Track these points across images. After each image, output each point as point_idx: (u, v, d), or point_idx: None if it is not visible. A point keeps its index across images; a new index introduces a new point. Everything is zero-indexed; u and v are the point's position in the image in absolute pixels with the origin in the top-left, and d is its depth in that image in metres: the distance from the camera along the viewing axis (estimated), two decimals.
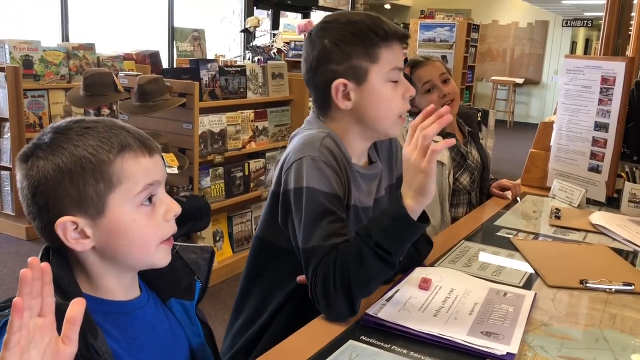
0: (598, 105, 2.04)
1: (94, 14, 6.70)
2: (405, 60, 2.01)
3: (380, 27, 1.19)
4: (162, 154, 3.38)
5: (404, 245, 1.10)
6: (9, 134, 4.29)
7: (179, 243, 1.07)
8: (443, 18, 7.33)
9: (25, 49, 4.39)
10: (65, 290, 0.84)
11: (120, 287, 0.94)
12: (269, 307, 1.27)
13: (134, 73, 3.95)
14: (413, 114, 2.00)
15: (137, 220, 0.89)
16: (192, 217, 3.18)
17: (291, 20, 8.69)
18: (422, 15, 8.27)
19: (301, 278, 1.19)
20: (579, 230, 1.77)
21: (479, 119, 2.12)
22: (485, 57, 11.57)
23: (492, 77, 11.30)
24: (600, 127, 2.04)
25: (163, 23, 7.46)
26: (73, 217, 0.86)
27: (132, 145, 0.89)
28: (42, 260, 0.86)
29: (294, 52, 6.13)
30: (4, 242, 4.22)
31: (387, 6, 11.91)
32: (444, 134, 1.97)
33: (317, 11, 10.01)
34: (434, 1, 11.05)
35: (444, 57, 6.77)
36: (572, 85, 2.11)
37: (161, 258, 0.94)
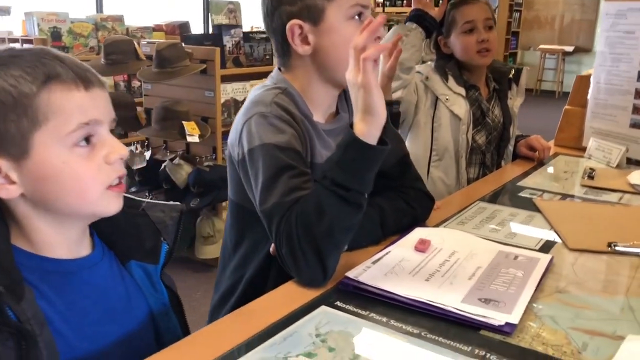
0: None
1: None
2: None
3: None
4: (183, 121, 3.27)
5: (363, 177, 0.94)
6: None
7: (147, 200, 0.95)
8: None
9: (53, 21, 4.35)
10: None
11: (63, 243, 0.83)
12: (244, 280, 1.15)
13: (156, 40, 3.86)
14: (443, 56, 1.82)
15: (69, 162, 0.77)
16: (216, 187, 3.09)
17: None
18: None
19: (273, 248, 1.06)
20: (614, 191, 1.56)
21: (510, 76, 1.91)
22: (533, 24, 11.02)
23: (540, 46, 10.77)
24: None
25: None
26: None
27: (61, 75, 0.76)
28: None
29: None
30: None
31: None
32: (468, 85, 1.79)
33: None
34: None
35: None
36: (613, 32, 1.88)
37: (107, 206, 0.82)
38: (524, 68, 1.95)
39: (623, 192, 1.55)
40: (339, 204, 0.93)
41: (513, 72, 1.90)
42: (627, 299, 0.96)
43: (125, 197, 0.92)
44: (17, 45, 0.85)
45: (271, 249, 1.04)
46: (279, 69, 1.17)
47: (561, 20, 10.98)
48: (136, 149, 3.48)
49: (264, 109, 1.05)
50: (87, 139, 0.79)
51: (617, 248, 1.15)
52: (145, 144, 3.56)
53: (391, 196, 1.21)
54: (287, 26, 1.06)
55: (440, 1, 1.79)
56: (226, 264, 1.21)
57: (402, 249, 1.10)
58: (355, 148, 0.92)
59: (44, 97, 0.75)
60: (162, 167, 3.23)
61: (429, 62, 1.85)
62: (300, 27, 1.06)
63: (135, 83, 4.63)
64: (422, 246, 1.09)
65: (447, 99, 1.75)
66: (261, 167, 1.01)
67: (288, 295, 0.95)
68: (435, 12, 1.70)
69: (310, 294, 0.95)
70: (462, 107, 1.75)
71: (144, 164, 3.32)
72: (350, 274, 0.97)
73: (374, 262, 1.03)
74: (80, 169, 0.78)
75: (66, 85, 0.76)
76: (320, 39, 1.08)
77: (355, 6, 1.07)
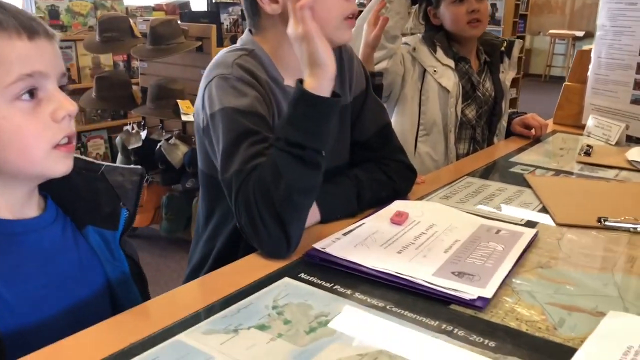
0: None
1: None
2: None
3: None
4: (178, 100, 3.22)
5: (317, 133, 0.88)
6: None
7: (106, 163, 0.90)
8: None
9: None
10: None
11: (4, 204, 0.77)
12: (213, 252, 1.09)
13: (153, 18, 3.80)
14: (433, 28, 1.75)
15: (9, 117, 0.72)
16: None
17: None
18: None
19: None
20: (611, 167, 1.49)
21: (502, 49, 1.83)
22: (543, 9, 10.84)
23: (550, 31, 10.59)
24: None
25: None
26: None
27: (2, 23, 0.71)
28: None
29: None
30: None
31: None
32: (457, 57, 1.72)
33: None
34: None
35: (493, 5, 6.30)
36: (615, 2, 1.80)
37: (53, 166, 0.77)
38: (516, 40, 1.86)
39: (620, 168, 1.48)
40: (295, 165, 0.87)
41: (505, 44, 1.82)
42: (613, 275, 0.89)
43: (83, 159, 0.87)
44: None
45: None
46: (250, 30, 1.10)
47: (572, 4, 10.79)
48: (132, 128, 3.43)
49: (224, 71, 0.99)
50: (32, 93, 0.73)
51: (607, 223, 1.08)
52: (142, 123, 3.52)
53: (370, 167, 1.15)
54: None
55: None
56: (199, 237, 1.16)
57: (377, 221, 1.04)
58: (305, 102, 0.87)
59: None
60: (158, 147, 3.19)
61: (418, 34, 1.77)
62: None
63: (135, 63, 4.57)
64: (399, 218, 1.03)
65: (435, 71, 1.68)
66: (221, 133, 0.95)
67: (252, 266, 0.90)
68: None
69: (275, 265, 0.89)
70: (450, 80, 1.67)
71: (140, 144, 3.28)
72: (318, 245, 0.92)
73: (344, 234, 0.97)
74: (22, 125, 0.72)
75: (7, 33, 0.71)
76: None
77: None
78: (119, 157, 3.40)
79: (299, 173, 0.88)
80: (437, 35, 1.73)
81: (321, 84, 0.87)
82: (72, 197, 0.86)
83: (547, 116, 1.99)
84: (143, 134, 3.35)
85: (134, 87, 3.49)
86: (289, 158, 0.87)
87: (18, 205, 0.79)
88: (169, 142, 3.17)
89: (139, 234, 3.41)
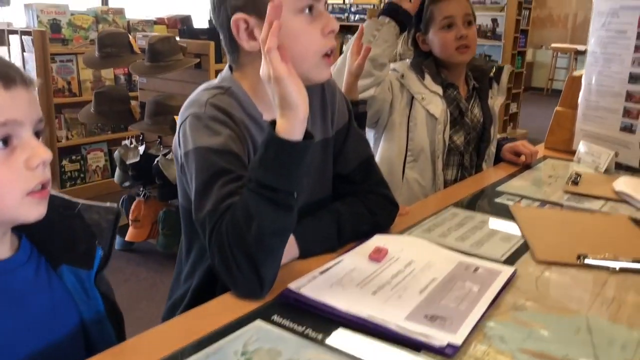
0: (634, 53, 1.72)
1: None
2: None
3: None
4: (175, 116, 3.24)
5: (289, 175, 0.88)
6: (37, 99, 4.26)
7: (83, 201, 0.90)
8: None
9: (53, 13, 4.33)
10: None
11: None
12: (190, 289, 1.09)
13: (152, 34, 3.82)
14: (422, 54, 1.76)
15: None
16: None
17: None
18: None
19: None
20: (597, 198, 1.49)
21: (491, 75, 1.84)
22: (545, 23, 10.86)
23: (552, 45, 10.61)
24: (635, 79, 1.73)
25: None
26: None
27: None
28: None
29: (330, 15, 5.87)
30: None
31: None
32: (446, 84, 1.72)
33: None
34: None
35: (494, 20, 6.32)
36: (605, 30, 1.80)
37: (27, 213, 0.77)
38: (505, 66, 1.87)
39: (606, 199, 1.48)
40: (267, 207, 0.87)
41: (494, 70, 1.82)
42: (587, 319, 0.89)
43: (60, 197, 0.87)
44: None
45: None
46: (230, 66, 1.11)
47: (574, 19, 10.81)
48: (131, 143, 3.44)
49: (198, 110, 1.00)
50: (6, 141, 0.74)
51: (586, 261, 1.08)
52: (140, 138, 3.53)
53: (351, 201, 1.16)
54: (232, 20, 1.00)
55: None
56: (180, 271, 1.16)
57: (355, 258, 1.04)
58: (275, 146, 0.87)
59: None
60: (155, 162, 3.20)
61: (406, 60, 1.77)
62: (246, 21, 1.00)
63: (136, 77, 4.61)
64: (377, 255, 1.04)
65: (422, 98, 1.69)
66: (194, 173, 0.95)
67: (226, 306, 0.90)
68: (409, 6, 1.62)
69: (249, 307, 0.89)
70: (438, 107, 1.68)
71: (138, 159, 3.29)
72: (293, 285, 0.92)
73: (321, 272, 0.98)
74: None
75: None
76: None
77: None
78: (117, 171, 3.42)
79: (271, 215, 0.87)
80: (425, 61, 1.74)
81: (293, 125, 0.87)
82: (47, 235, 0.86)
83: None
84: (141, 148, 3.37)
85: (133, 103, 3.51)
86: (261, 200, 0.87)
87: None
88: (167, 157, 3.18)
89: (136, 248, 3.42)
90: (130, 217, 3.35)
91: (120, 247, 3.36)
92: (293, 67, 0.91)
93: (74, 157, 4.36)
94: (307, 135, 0.89)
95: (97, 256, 0.88)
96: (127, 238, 3.30)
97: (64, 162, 4.27)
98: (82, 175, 4.40)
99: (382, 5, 6.23)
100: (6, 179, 0.73)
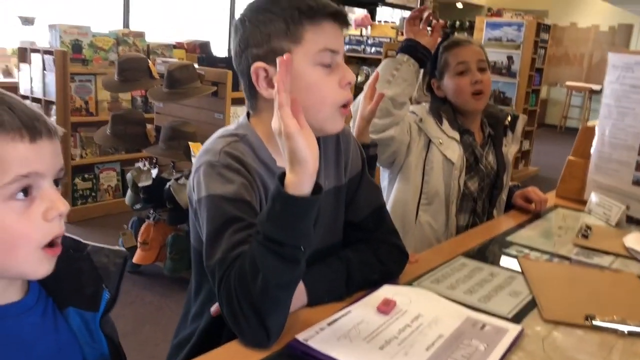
0: None
1: (158, 4, 6.76)
2: (444, 39, 1.79)
3: (304, 3, 1.01)
4: (189, 142, 3.26)
5: (296, 229, 0.89)
6: (54, 117, 4.33)
7: (92, 243, 0.91)
8: (511, 17, 6.92)
9: (75, 34, 4.41)
10: None
11: None
12: (198, 330, 1.10)
13: (172, 60, 3.89)
14: (439, 99, 1.78)
15: (0, 217, 0.72)
16: None
17: (352, 14, 8.49)
18: (490, 13, 7.74)
19: (214, 309, 1.01)
20: (607, 253, 1.49)
21: (507, 123, 1.86)
22: (561, 61, 10.92)
23: (567, 83, 10.65)
24: None
25: (225, 13, 7.44)
26: None
27: (6, 125, 0.72)
28: None
29: (347, 46, 5.93)
30: None
31: (459, 5, 11.47)
32: (462, 130, 1.74)
33: (384, 7, 9.76)
34: (508, 1, 10.51)
35: (509, 58, 6.36)
36: (619, 84, 1.82)
37: (36, 268, 0.77)
38: (520, 116, 1.89)
39: (616, 255, 1.48)
40: (273, 260, 0.88)
41: (509, 118, 1.84)
42: None
43: (71, 238, 0.87)
44: None
45: (212, 310, 1.00)
46: (248, 112, 1.13)
47: (590, 58, 10.86)
48: (144, 165, 3.48)
49: (212, 158, 1.02)
50: (26, 191, 0.74)
51: (594, 322, 1.08)
52: (154, 161, 3.57)
53: (361, 249, 1.17)
54: (252, 68, 1.03)
55: (434, 21, 1.70)
56: (188, 310, 1.17)
57: (363, 309, 1.05)
58: (282, 200, 0.87)
59: None
60: (167, 186, 3.23)
61: (424, 104, 1.80)
62: (265, 70, 1.02)
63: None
64: (386, 307, 1.04)
65: (440, 143, 1.70)
66: (206, 219, 0.98)
67: (232, 355, 0.91)
68: (428, 40, 1.65)
69: (257, 355, 0.90)
70: (455, 152, 1.70)
71: (150, 182, 3.32)
72: (301, 336, 0.93)
73: (329, 324, 0.98)
74: (13, 225, 0.73)
75: (10, 135, 0.72)
76: None
77: (324, 51, 1.02)
78: (129, 192, 3.45)
79: (277, 268, 0.88)
80: (443, 106, 1.76)
81: (301, 179, 0.88)
82: (55, 277, 0.85)
83: (562, 166, 2.01)
84: (154, 171, 3.40)
85: (149, 126, 3.55)
86: (267, 253, 0.88)
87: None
88: (179, 181, 3.21)
89: (142, 270, 3.43)
90: (138, 239, 3.37)
91: (127, 269, 3.37)
92: (309, 116, 0.93)
93: (86, 176, 4.40)
94: (316, 188, 0.90)
95: (103, 299, 0.88)
96: (134, 260, 3.32)
97: (77, 180, 4.31)
98: (93, 193, 4.44)
99: (397, 38, 6.31)
100: (24, 230, 0.74)
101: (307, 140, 0.88)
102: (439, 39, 1.71)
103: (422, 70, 1.75)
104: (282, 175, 0.89)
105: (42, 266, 0.77)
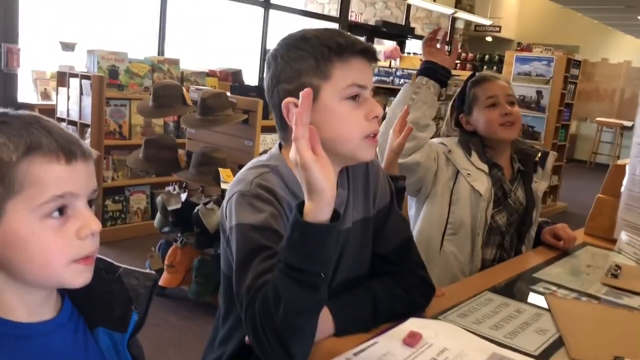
0: None
1: (192, 32, 6.95)
2: (473, 75, 1.82)
3: (333, 41, 1.04)
4: (219, 168, 3.31)
5: (314, 256, 0.90)
6: (89, 139, 4.45)
7: (125, 266, 0.94)
8: (541, 52, 6.93)
9: (112, 60, 4.55)
10: None
11: (23, 306, 0.81)
12: (224, 356, 1.12)
13: (205, 88, 3.98)
14: (468, 133, 1.80)
15: (37, 234, 0.76)
16: None
17: (382, 47, 8.61)
18: (519, 48, 7.74)
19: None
20: (637, 294, 1.47)
21: (537, 159, 1.86)
22: (591, 96, 10.85)
23: (597, 118, 10.56)
24: None
25: (257, 44, 7.59)
26: None
27: (44, 147, 0.76)
28: None
29: (376, 77, 6.00)
30: None
31: (489, 39, 11.53)
32: (491, 164, 1.75)
33: (413, 40, 9.85)
34: (538, 35, 10.52)
35: (539, 93, 6.35)
36: None
37: (71, 279, 0.80)
38: (550, 152, 1.89)
39: None
40: (294, 287, 0.90)
41: (539, 155, 1.85)
42: None
43: (103, 260, 0.90)
44: (11, 111, 0.85)
45: (247, 339, 1.02)
46: (280, 143, 1.17)
47: (621, 94, 10.77)
48: (174, 189, 3.54)
49: (243, 188, 1.05)
50: (62, 210, 0.78)
51: None
52: (183, 185, 3.63)
53: (388, 281, 1.18)
54: (283, 103, 1.06)
55: (453, 41, 1.72)
56: (215, 334, 1.20)
57: (390, 341, 1.06)
58: (300, 228, 0.89)
59: (23, 167, 0.75)
60: (196, 210, 3.28)
61: (454, 137, 1.82)
62: (295, 104, 1.05)
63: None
64: (412, 340, 1.05)
65: (468, 174, 1.72)
66: (235, 248, 1.01)
67: None
68: (447, 60, 1.67)
69: None
70: (483, 184, 1.71)
71: (179, 206, 3.38)
72: None
73: (355, 354, 1.00)
74: (49, 242, 0.77)
75: (47, 157, 0.76)
76: (314, 117, 1.03)
77: (352, 86, 1.05)
78: (158, 215, 3.51)
79: (297, 295, 0.90)
80: (472, 139, 1.78)
81: (319, 207, 0.89)
82: (88, 297, 0.89)
83: (590, 202, 2.00)
84: (183, 195, 3.46)
85: (180, 151, 3.63)
86: (288, 281, 0.90)
87: (35, 306, 0.82)
88: (207, 206, 3.25)
89: (168, 293, 3.46)
90: (165, 261, 3.42)
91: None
92: (339, 147, 1.00)
93: (117, 198, 4.49)
94: (335, 216, 0.91)
95: (132, 320, 0.91)
96: (160, 283, 3.35)
97: (107, 202, 4.40)
98: (123, 215, 4.52)
99: None
100: (58, 247, 0.77)
101: (323, 170, 0.89)
102: (457, 57, 1.73)
103: (449, 104, 1.77)
104: (302, 204, 0.91)
105: (78, 277, 0.80)
